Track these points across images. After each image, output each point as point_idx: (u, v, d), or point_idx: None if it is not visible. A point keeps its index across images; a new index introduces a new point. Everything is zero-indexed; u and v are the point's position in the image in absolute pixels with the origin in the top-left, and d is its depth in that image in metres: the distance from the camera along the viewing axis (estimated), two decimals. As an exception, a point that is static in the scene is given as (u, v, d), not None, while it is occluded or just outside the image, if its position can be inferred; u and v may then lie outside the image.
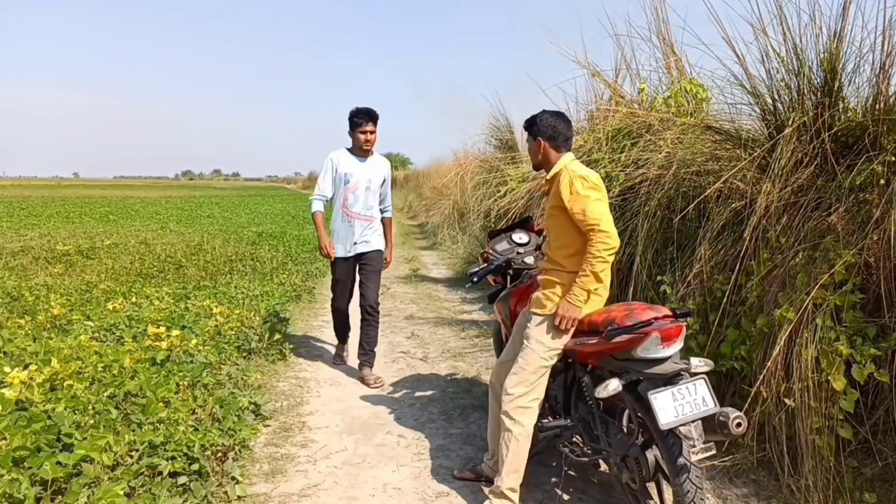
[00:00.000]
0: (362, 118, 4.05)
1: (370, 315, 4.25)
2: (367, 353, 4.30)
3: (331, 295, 4.47)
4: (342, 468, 2.99)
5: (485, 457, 2.87)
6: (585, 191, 2.39)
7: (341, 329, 4.64)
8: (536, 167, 2.73)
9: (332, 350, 5.11)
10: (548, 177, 2.60)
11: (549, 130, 2.58)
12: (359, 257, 4.20)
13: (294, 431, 3.42)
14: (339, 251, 4.16)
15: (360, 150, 4.13)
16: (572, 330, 2.47)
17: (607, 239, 2.31)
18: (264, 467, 2.98)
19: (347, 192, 4.10)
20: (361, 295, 4.24)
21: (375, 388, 4.14)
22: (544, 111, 2.64)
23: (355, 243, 4.15)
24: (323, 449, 3.21)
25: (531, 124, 2.65)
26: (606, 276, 2.49)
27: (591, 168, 4.67)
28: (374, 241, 4.23)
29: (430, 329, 5.85)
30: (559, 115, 2.63)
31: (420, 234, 15.34)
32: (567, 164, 2.54)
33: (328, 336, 5.50)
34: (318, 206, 4.12)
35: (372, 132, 4.08)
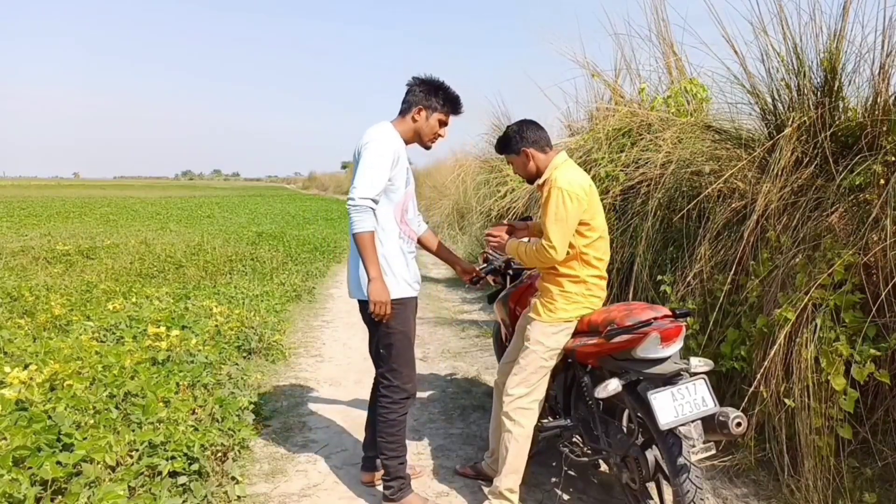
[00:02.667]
0: (456, 106, 2.63)
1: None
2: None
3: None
4: (342, 468, 2.99)
5: (485, 455, 2.87)
6: (557, 207, 2.33)
7: (405, 435, 2.70)
8: (531, 180, 2.61)
9: (332, 350, 5.09)
10: (540, 182, 2.53)
11: (530, 138, 2.52)
12: None
13: (294, 431, 3.42)
14: (403, 289, 2.55)
15: (417, 142, 2.65)
16: (570, 330, 2.49)
17: (551, 251, 2.35)
18: (264, 467, 2.98)
19: (408, 201, 2.62)
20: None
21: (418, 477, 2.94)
22: (509, 127, 2.59)
23: (417, 280, 2.68)
24: (323, 449, 3.21)
25: (506, 144, 2.58)
26: (600, 282, 2.53)
27: (591, 168, 4.71)
28: None
29: (430, 329, 5.85)
30: (527, 122, 2.58)
31: (420, 234, 15.32)
32: (555, 169, 2.46)
33: (328, 336, 5.51)
34: (369, 223, 2.39)
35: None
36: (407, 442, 3.22)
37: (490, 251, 2.79)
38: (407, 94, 2.61)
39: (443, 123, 2.63)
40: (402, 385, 2.59)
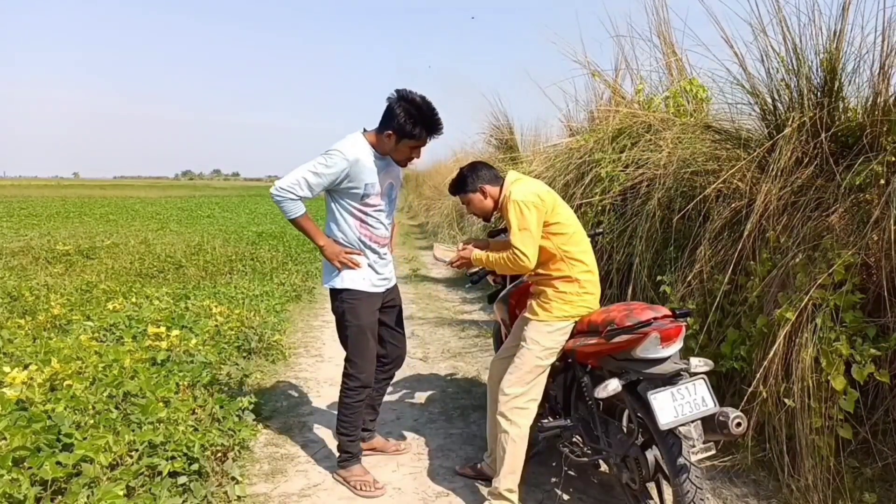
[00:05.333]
0: (431, 129, 2.62)
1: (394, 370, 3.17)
2: (376, 414, 3.24)
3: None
4: (342, 468, 2.99)
5: (484, 455, 2.87)
6: (517, 218, 2.41)
7: (360, 420, 2.95)
8: (488, 217, 2.72)
9: (332, 350, 5.08)
10: (500, 207, 2.61)
11: (485, 176, 2.63)
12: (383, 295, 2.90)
13: (294, 431, 3.42)
14: (358, 283, 2.75)
15: (390, 157, 2.73)
16: (566, 330, 2.50)
17: (523, 258, 2.40)
18: (264, 467, 2.98)
19: (367, 207, 2.72)
20: (387, 348, 3.04)
21: (403, 453, 3.22)
22: (463, 169, 2.70)
23: (385, 278, 2.88)
24: (323, 449, 3.22)
25: (463, 185, 2.66)
26: (594, 284, 2.56)
27: (592, 168, 4.71)
28: (393, 272, 3.00)
29: (430, 329, 5.85)
30: (479, 163, 2.72)
31: (420, 234, 15.34)
32: (508, 186, 2.54)
33: (328, 336, 5.51)
34: (300, 209, 2.63)
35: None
36: (408, 441, 3.25)
37: (453, 266, 2.82)
38: (385, 110, 2.60)
39: (416, 147, 2.67)
40: (357, 374, 2.83)
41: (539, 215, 2.43)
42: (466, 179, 2.65)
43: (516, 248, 2.40)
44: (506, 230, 3.24)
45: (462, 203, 2.77)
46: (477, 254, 2.65)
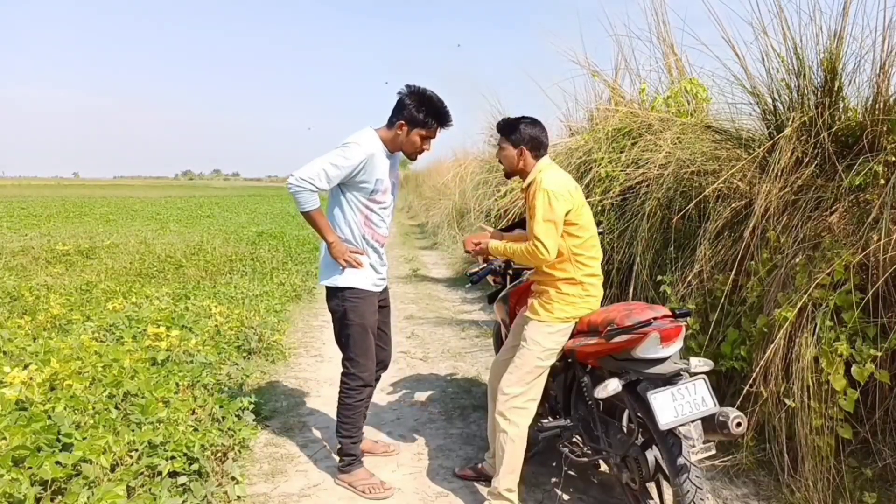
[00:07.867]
0: (441, 119, 2.65)
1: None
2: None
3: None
4: (342, 468, 2.99)
5: (486, 455, 2.87)
6: (544, 208, 2.33)
7: (362, 420, 2.91)
8: (510, 175, 2.62)
9: (332, 350, 5.07)
10: (524, 186, 2.52)
11: (531, 140, 2.49)
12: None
13: (294, 431, 3.42)
14: (361, 281, 2.73)
15: (400, 151, 2.74)
16: (567, 331, 2.48)
17: (543, 251, 2.32)
18: (264, 467, 2.98)
19: (373, 204, 2.71)
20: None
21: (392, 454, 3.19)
22: (524, 118, 2.53)
23: (383, 277, 2.88)
24: (323, 449, 3.21)
25: (510, 131, 2.51)
26: (597, 286, 2.53)
27: (591, 168, 4.71)
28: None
29: (430, 329, 5.85)
30: (538, 124, 2.54)
31: (420, 234, 15.34)
32: (541, 171, 2.45)
33: (328, 336, 5.50)
34: (315, 202, 2.60)
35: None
36: (408, 441, 3.25)
37: (472, 255, 2.74)
38: (396, 104, 2.64)
39: (427, 138, 2.66)
40: (359, 374, 2.80)
41: (566, 209, 2.36)
42: (519, 130, 2.48)
43: (538, 238, 2.33)
44: (514, 226, 3.24)
45: (496, 144, 2.64)
46: (494, 244, 2.57)
